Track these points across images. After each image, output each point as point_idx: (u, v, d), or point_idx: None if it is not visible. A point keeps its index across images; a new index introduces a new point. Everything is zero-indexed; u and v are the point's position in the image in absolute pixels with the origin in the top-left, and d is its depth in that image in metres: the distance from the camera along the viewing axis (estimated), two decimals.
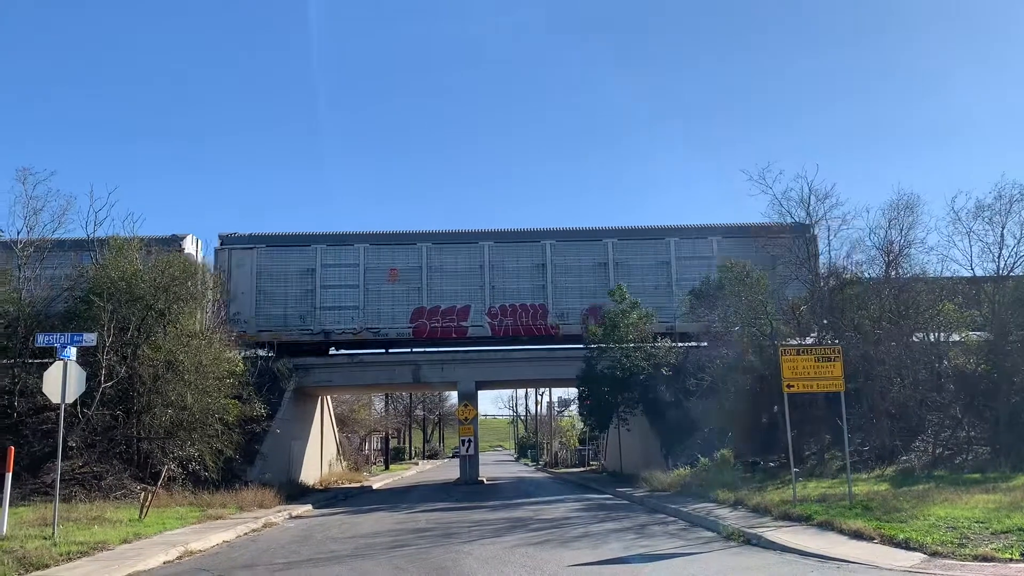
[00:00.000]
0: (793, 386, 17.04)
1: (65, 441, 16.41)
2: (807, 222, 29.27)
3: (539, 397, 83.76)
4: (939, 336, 26.90)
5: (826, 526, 13.59)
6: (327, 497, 28.81)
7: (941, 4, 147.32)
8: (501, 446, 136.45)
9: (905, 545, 11.22)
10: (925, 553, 10.66)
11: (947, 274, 27.78)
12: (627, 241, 36.23)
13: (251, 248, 35.24)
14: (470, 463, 35.70)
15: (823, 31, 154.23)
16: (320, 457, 40.48)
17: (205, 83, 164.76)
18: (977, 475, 20.64)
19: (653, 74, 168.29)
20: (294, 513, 21.92)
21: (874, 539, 11.96)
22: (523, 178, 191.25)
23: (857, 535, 12.37)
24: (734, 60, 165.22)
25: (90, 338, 15.79)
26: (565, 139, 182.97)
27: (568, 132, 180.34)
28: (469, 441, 35.68)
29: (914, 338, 26.96)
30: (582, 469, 50.88)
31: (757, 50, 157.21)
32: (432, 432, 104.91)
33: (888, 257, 27.62)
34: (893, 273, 27.72)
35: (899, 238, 27.61)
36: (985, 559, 9.98)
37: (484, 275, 35.64)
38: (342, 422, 49.73)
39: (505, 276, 35.82)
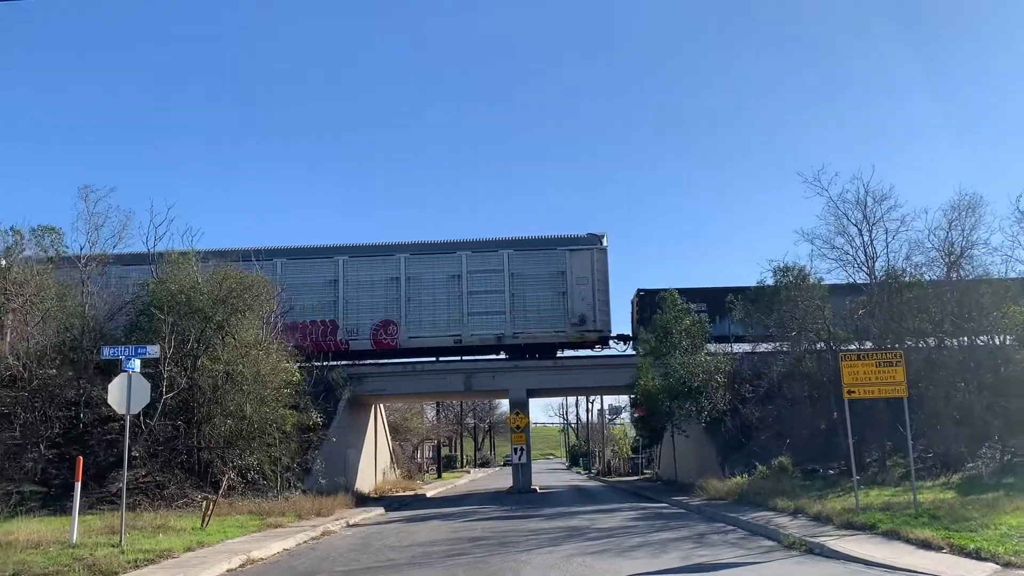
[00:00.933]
0: (854, 392, 16.70)
1: (129, 451, 16.80)
2: (860, 224, 28.64)
3: (589, 405, 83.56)
4: (1004, 339, 26.07)
5: (891, 535, 13.26)
6: (384, 504, 29.02)
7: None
8: (552, 454, 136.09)
9: (976, 555, 10.89)
10: (998, 563, 10.33)
11: (1012, 275, 26.98)
12: (419, 256, 35.82)
13: None
14: (522, 471, 35.68)
15: (874, 25, 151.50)
16: (374, 465, 40.87)
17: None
18: None
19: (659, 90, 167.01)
20: (351, 521, 22.12)
21: (943, 549, 11.63)
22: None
23: (925, 545, 12.04)
24: (752, 64, 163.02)
25: (153, 350, 16.17)
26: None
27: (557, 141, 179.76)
28: (521, 449, 35.66)
29: (978, 341, 26.19)
30: (635, 478, 50.47)
31: (796, 46, 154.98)
32: (483, 440, 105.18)
33: (949, 259, 26.88)
34: (954, 275, 26.99)
35: (960, 239, 26.86)
36: None
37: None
38: (395, 430, 50.16)
39: (298, 293, 34.51)
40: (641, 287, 36.80)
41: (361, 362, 36.13)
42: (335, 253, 36.24)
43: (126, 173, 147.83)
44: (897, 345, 24.65)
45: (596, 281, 35.38)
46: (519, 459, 35.78)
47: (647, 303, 35.04)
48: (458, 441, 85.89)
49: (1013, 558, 10.38)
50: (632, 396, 34.45)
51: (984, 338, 26.44)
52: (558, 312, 35.35)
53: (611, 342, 36.29)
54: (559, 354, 36.63)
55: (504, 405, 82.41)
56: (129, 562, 12.70)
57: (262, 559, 14.37)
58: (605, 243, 35.97)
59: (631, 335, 36.80)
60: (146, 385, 15.62)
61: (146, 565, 12.77)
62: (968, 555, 11.01)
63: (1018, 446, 24.97)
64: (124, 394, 15.12)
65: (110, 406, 16.18)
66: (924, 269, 27.60)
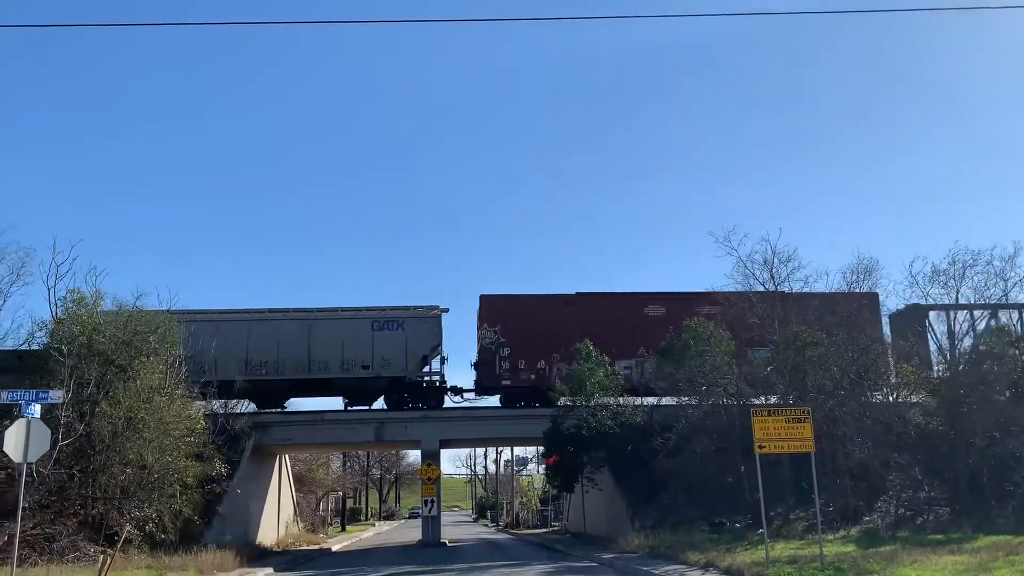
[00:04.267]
0: (765, 447, 17.24)
1: (21, 502, 15.81)
2: (769, 286, 29.93)
3: (498, 455, 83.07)
4: (899, 397, 27.48)
5: None
6: (286, 560, 28.05)
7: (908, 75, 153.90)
8: (458, 506, 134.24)
9: None
10: None
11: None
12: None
13: None
14: (433, 524, 35.09)
15: (784, 88, 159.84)
16: (277, 518, 39.50)
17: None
18: (940, 536, 20.94)
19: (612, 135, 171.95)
20: None
21: None
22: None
23: None
24: (672, 124, 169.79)
25: (56, 395, 15.48)
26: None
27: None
28: (432, 501, 35.11)
29: (875, 399, 27.50)
30: (544, 530, 50.33)
31: (710, 108, 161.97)
32: (388, 492, 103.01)
33: (849, 319, 28.26)
34: (853, 335, 28.34)
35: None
36: None
37: None
38: (299, 481, 48.70)
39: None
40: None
41: (268, 410, 35.14)
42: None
43: (28, 207, 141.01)
44: (801, 401, 25.63)
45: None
46: (430, 511, 35.20)
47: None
48: (364, 493, 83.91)
49: None
50: (545, 447, 34.48)
51: (880, 395, 27.82)
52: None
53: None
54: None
55: (412, 456, 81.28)
56: None
57: None
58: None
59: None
60: (46, 432, 14.86)
61: None
62: None
63: (911, 500, 26.18)
64: (22, 441, 14.32)
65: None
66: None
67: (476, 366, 36.54)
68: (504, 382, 35.42)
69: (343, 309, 36.03)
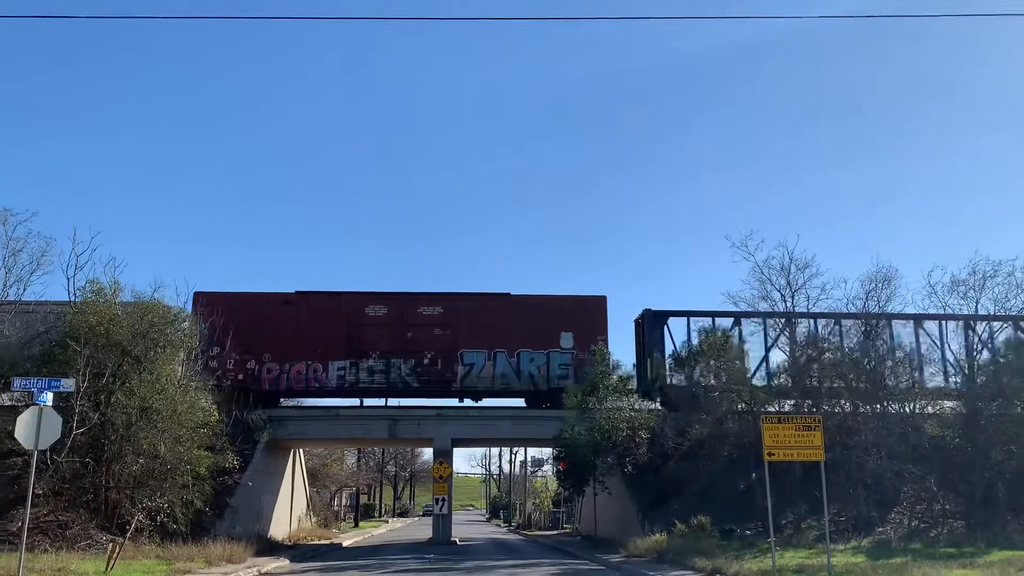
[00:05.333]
0: (774, 454, 17.10)
1: (32, 488, 15.99)
2: (783, 291, 29.74)
3: (512, 456, 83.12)
4: (915, 408, 27.16)
5: None
6: (297, 553, 28.18)
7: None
8: (472, 505, 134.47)
9: None
10: None
11: (924, 346, 28.22)
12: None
13: None
14: (443, 522, 35.14)
15: (806, 103, 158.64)
16: (290, 512, 39.71)
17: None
18: (952, 549, 20.70)
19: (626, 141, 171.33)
20: (264, 570, 21.43)
21: None
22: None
23: None
24: (703, 127, 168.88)
25: (68, 383, 15.59)
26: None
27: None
28: (443, 500, 35.16)
29: (891, 409, 27.22)
30: (555, 532, 50.21)
31: (735, 119, 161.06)
32: (403, 489, 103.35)
33: (866, 328, 28.00)
34: (871, 344, 28.10)
35: (877, 310, 28.06)
36: None
37: None
38: (313, 476, 48.92)
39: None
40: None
41: (283, 405, 35.41)
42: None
43: (48, 199, 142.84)
44: (815, 409, 25.43)
45: None
46: (441, 509, 35.25)
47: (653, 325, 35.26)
48: (378, 489, 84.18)
49: None
50: (556, 450, 34.44)
51: (896, 406, 27.52)
52: None
53: None
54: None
55: (427, 453, 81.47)
56: None
57: None
58: None
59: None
60: (57, 420, 15.00)
61: None
62: None
63: (924, 512, 25.87)
64: (33, 429, 14.48)
65: (11, 439, 15.44)
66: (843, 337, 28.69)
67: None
68: (211, 383, 30.63)
69: None
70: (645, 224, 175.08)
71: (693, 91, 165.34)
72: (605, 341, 34.85)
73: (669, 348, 33.96)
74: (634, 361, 35.02)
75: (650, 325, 34.63)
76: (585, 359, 34.05)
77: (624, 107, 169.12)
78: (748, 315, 32.23)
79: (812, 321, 30.15)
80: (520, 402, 36.82)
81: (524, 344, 35.26)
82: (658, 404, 33.07)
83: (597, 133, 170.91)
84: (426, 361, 34.73)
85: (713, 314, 33.95)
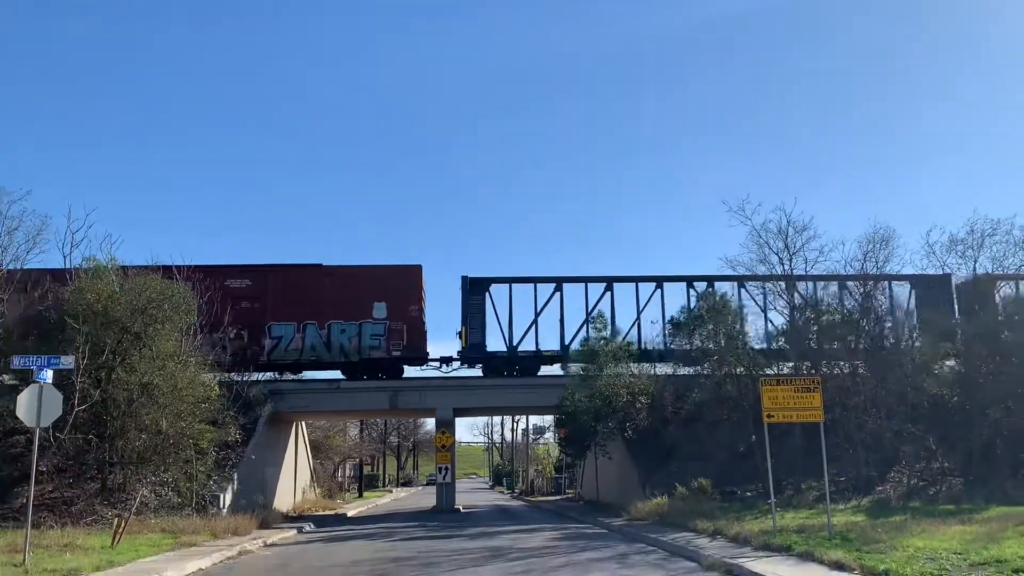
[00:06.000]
0: (773, 416, 17.15)
1: (36, 466, 16.07)
2: (781, 253, 29.63)
3: (514, 424, 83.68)
4: (914, 363, 27.26)
5: (806, 557, 13.62)
6: (302, 524, 28.40)
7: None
8: (476, 473, 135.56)
9: None
10: None
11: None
12: None
13: None
14: (447, 491, 35.44)
15: (802, 63, 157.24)
16: (294, 484, 40.01)
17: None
18: (952, 506, 20.87)
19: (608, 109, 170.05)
20: (269, 540, 21.59)
21: (854, 570, 12.00)
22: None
23: (838, 566, 12.42)
24: (698, 91, 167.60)
25: (67, 361, 15.57)
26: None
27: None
28: (446, 468, 35.43)
29: (890, 366, 27.32)
30: (558, 497, 50.68)
31: (726, 80, 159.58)
32: (406, 459, 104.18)
33: (864, 289, 28.00)
34: (868, 305, 28.12)
35: (875, 271, 28.03)
36: None
37: None
38: (316, 448, 49.22)
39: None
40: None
41: (283, 378, 35.50)
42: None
43: (43, 177, 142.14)
44: (814, 371, 25.51)
45: None
46: (444, 478, 35.53)
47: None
48: (381, 460, 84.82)
49: None
50: (557, 416, 34.64)
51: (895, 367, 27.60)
52: None
53: None
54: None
55: (429, 423, 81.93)
56: None
57: None
58: None
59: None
60: (58, 397, 15.00)
61: None
62: None
63: (923, 471, 26.08)
64: (34, 406, 14.49)
65: (13, 418, 15.48)
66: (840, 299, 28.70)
67: None
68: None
69: None
70: (642, 194, 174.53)
71: (688, 62, 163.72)
72: (421, 310, 34.88)
73: (491, 314, 35.06)
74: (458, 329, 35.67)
75: (466, 292, 35.23)
76: (400, 329, 34.04)
77: (613, 81, 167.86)
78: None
79: (810, 284, 30.09)
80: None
81: (336, 316, 34.61)
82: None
83: (590, 103, 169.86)
84: (232, 335, 32.76)
85: (535, 280, 35.62)
